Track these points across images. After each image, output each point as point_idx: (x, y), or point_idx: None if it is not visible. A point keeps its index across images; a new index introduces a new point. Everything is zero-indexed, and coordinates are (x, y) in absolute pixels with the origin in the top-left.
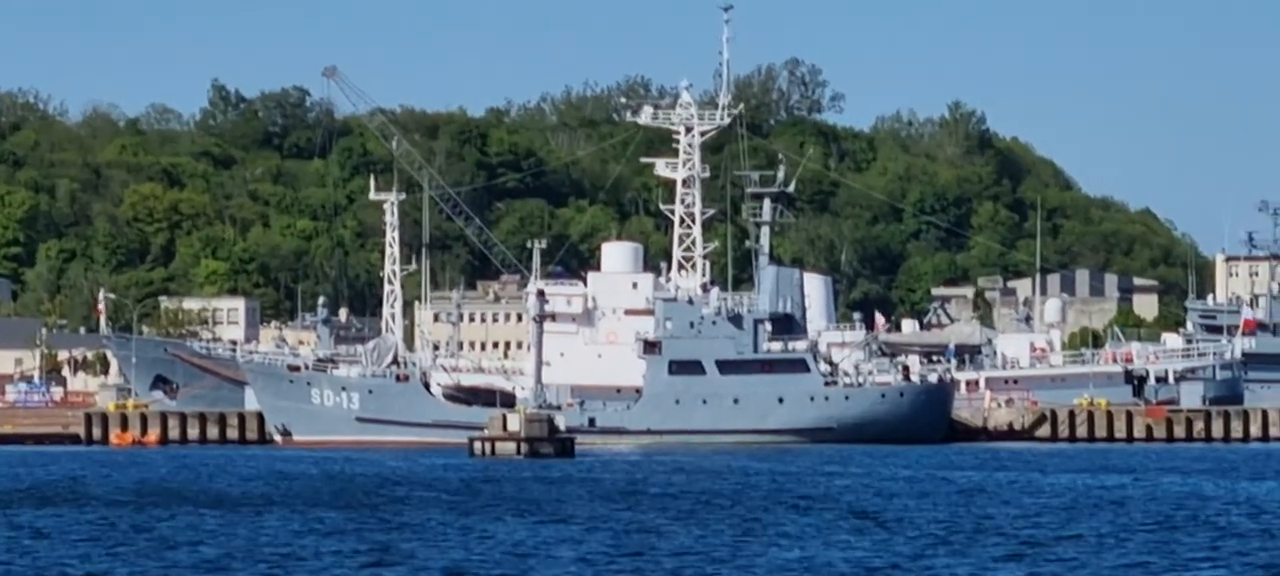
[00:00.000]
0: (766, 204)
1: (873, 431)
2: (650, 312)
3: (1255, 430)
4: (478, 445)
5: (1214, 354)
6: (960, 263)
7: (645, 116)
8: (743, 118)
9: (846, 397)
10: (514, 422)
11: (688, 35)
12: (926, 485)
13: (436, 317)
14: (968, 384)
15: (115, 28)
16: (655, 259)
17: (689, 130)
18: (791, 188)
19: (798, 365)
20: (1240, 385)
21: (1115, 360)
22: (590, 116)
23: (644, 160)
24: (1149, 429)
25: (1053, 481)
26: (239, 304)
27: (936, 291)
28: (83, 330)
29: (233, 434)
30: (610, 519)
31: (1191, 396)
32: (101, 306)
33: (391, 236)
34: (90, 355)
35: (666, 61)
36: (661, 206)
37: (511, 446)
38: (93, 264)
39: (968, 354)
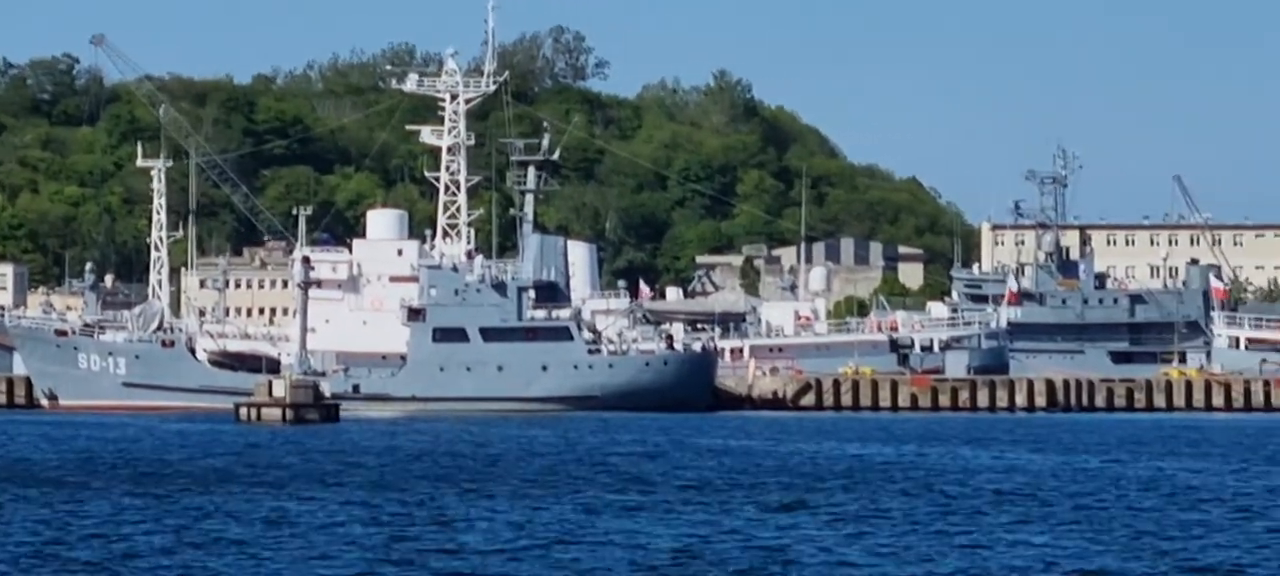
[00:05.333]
0: (531, 171)
1: (637, 399)
2: (415, 280)
3: (1021, 399)
4: (243, 411)
5: (979, 323)
6: (725, 231)
7: (411, 84)
8: (508, 85)
9: (610, 365)
10: (279, 388)
11: (453, 3)
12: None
13: (203, 284)
14: (732, 352)
15: None
16: (420, 226)
17: (454, 98)
18: (556, 155)
19: (561, 333)
20: (1005, 354)
21: (880, 329)
22: (356, 84)
23: (409, 128)
24: (914, 398)
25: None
26: (7, 270)
27: (701, 259)
28: None
29: (1, 398)
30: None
31: (956, 366)
32: None
33: (158, 203)
34: None
35: (432, 29)
36: (427, 174)
37: (277, 412)
38: None
39: (732, 322)
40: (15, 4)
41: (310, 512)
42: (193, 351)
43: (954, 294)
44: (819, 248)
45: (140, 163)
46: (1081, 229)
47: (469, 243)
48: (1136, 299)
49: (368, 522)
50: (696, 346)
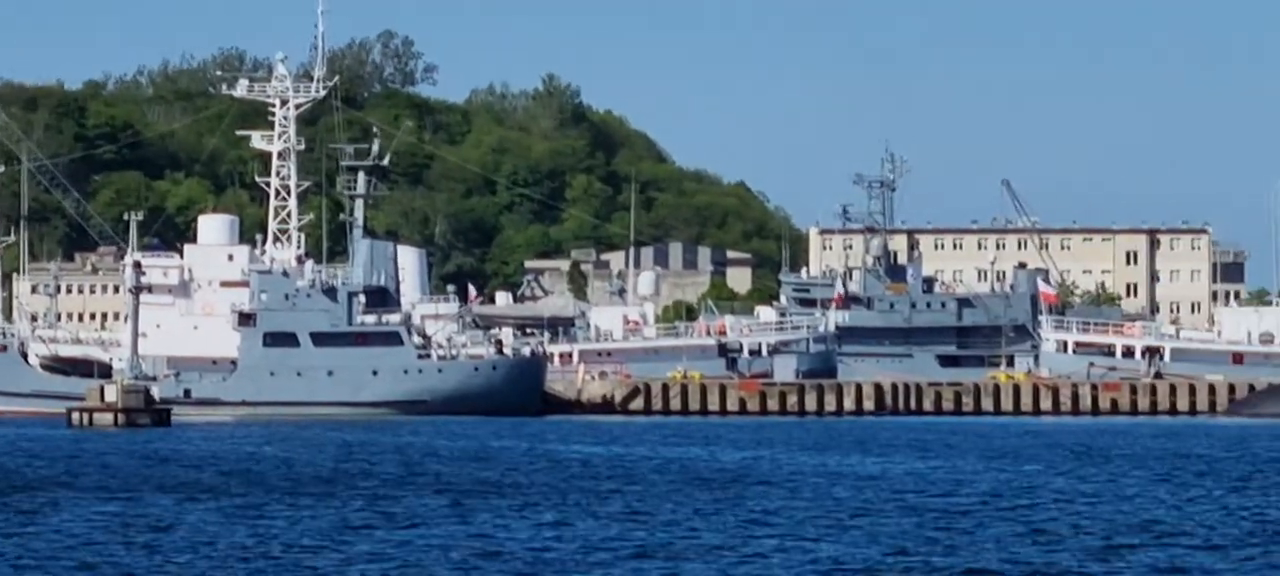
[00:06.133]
0: (361, 177)
1: (466, 404)
2: (246, 285)
3: (849, 403)
4: (75, 415)
5: (807, 327)
6: (554, 235)
7: (241, 90)
8: (337, 90)
9: (440, 370)
10: (111, 393)
11: (283, 8)
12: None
13: (34, 289)
14: (561, 356)
15: None
16: (251, 231)
17: (284, 103)
18: (386, 160)
19: (391, 338)
20: (834, 358)
21: (709, 333)
22: (186, 89)
23: (239, 133)
24: (742, 402)
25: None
26: None
27: (530, 264)
28: None
29: None
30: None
31: (785, 370)
32: None
33: None
34: None
35: (262, 35)
36: (257, 179)
37: (109, 417)
38: None
39: (561, 326)
40: None
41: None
42: (25, 356)
43: (782, 298)
44: (647, 252)
45: None
46: (909, 233)
47: (299, 248)
48: (964, 303)
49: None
50: (526, 351)
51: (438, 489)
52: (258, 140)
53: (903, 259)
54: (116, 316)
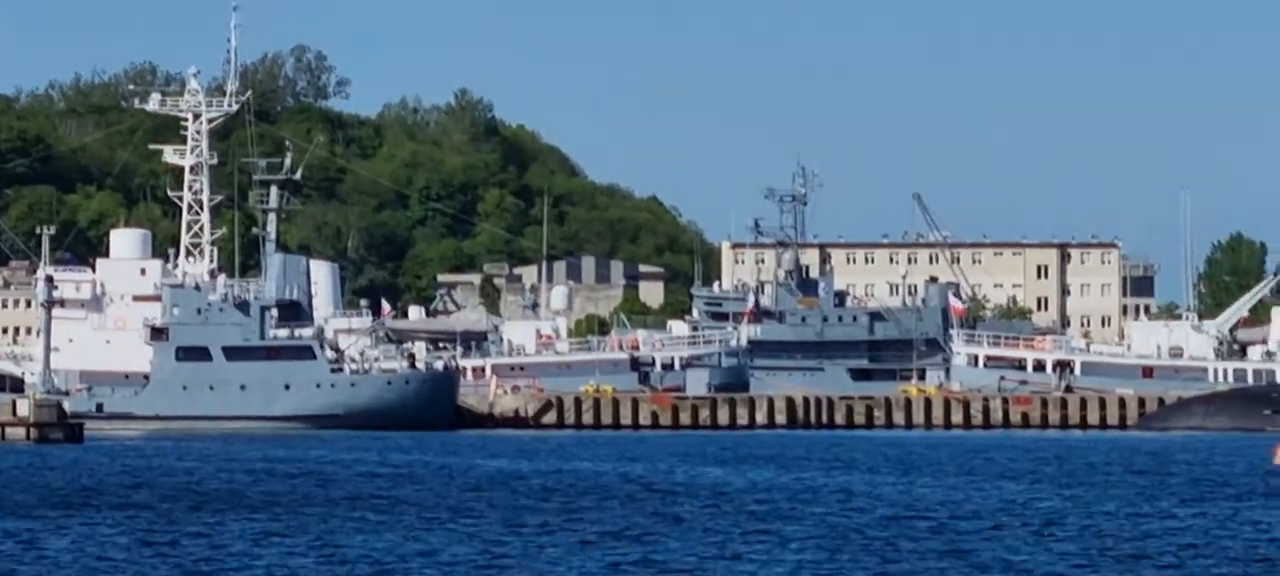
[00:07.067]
0: (273, 191)
1: (379, 418)
2: (158, 299)
3: (761, 417)
4: None
5: (720, 341)
6: (467, 249)
7: (153, 104)
8: (250, 105)
9: (353, 384)
10: (23, 408)
11: (195, 23)
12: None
13: None
14: (474, 371)
15: None
16: (164, 245)
17: (196, 117)
18: (298, 175)
19: (304, 352)
20: (746, 372)
21: (621, 347)
22: (99, 103)
23: (152, 147)
24: (655, 415)
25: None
26: None
27: (443, 278)
28: None
29: None
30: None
31: (697, 384)
32: None
33: None
34: None
35: (175, 49)
36: (170, 193)
37: (21, 431)
38: None
39: (474, 341)
40: None
41: None
42: None
43: (694, 312)
44: (560, 266)
45: None
46: (821, 247)
47: (212, 262)
48: (876, 316)
49: None
50: (438, 365)
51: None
52: (170, 154)
53: (814, 273)
54: (29, 331)
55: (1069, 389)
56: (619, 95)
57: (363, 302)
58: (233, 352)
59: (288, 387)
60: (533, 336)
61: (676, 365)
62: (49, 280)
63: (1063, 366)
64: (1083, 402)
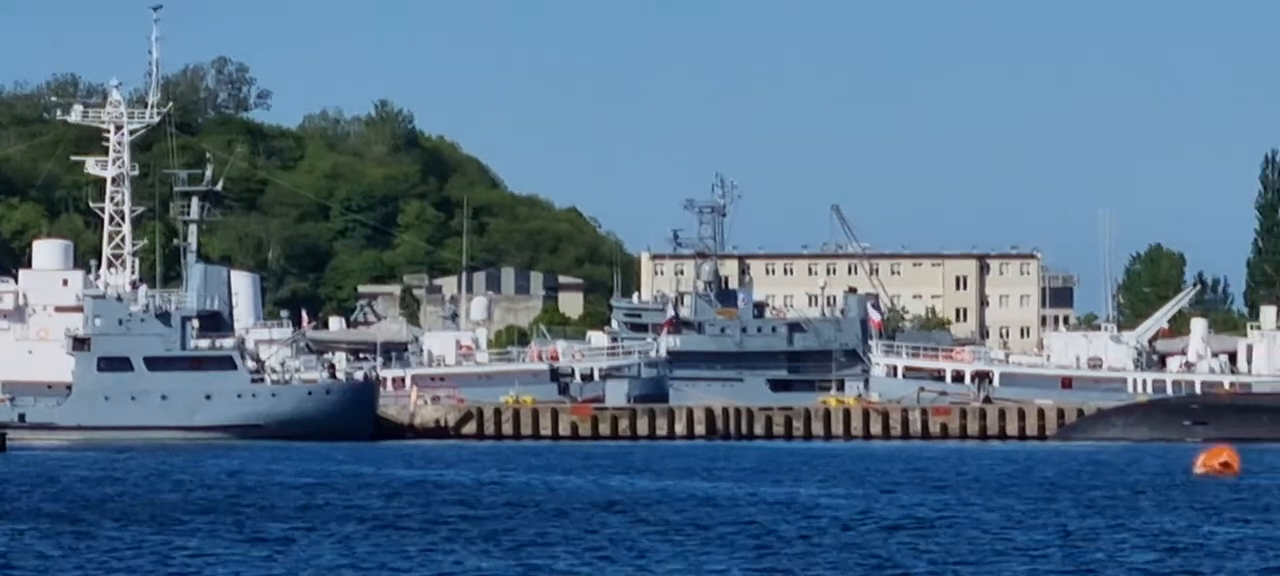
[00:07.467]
0: (195, 202)
1: (299, 428)
2: (80, 309)
3: (680, 428)
4: None
5: (639, 352)
6: (387, 260)
7: (75, 115)
8: (172, 116)
9: (273, 394)
10: None
11: (117, 35)
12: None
13: None
14: (394, 381)
15: None
16: (86, 256)
17: (119, 128)
18: (219, 186)
19: (225, 362)
20: (665, 383)
21: (541, 358)
22: (21, 115)
23: (74, 158)
24: (574, 426)
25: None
26: None
27: (363, 289)
28: None
29: None
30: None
31: (617, 394)
32: None
33: None
34: None
35: (96, 60)
36: (92, 204)
37: None
38: None
39: (394, 351)
40: None
41: None
42: None
43: (614, 323)
44: (480, 277)
45: None
46: (740, 258)
47: (133, 273)
48: (795, 327)
49: None
50: (358, 376)
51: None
52: (92, 166)
53: (734, 284)
54: None
55: (988, 400)
56: (539, 106)
57: (283, 313)
58: (154, 363)
59: (209, 398)
60: (453, 347)
61: (596, 376)
62: None
63: (982, 377)
64: (1001, 413)
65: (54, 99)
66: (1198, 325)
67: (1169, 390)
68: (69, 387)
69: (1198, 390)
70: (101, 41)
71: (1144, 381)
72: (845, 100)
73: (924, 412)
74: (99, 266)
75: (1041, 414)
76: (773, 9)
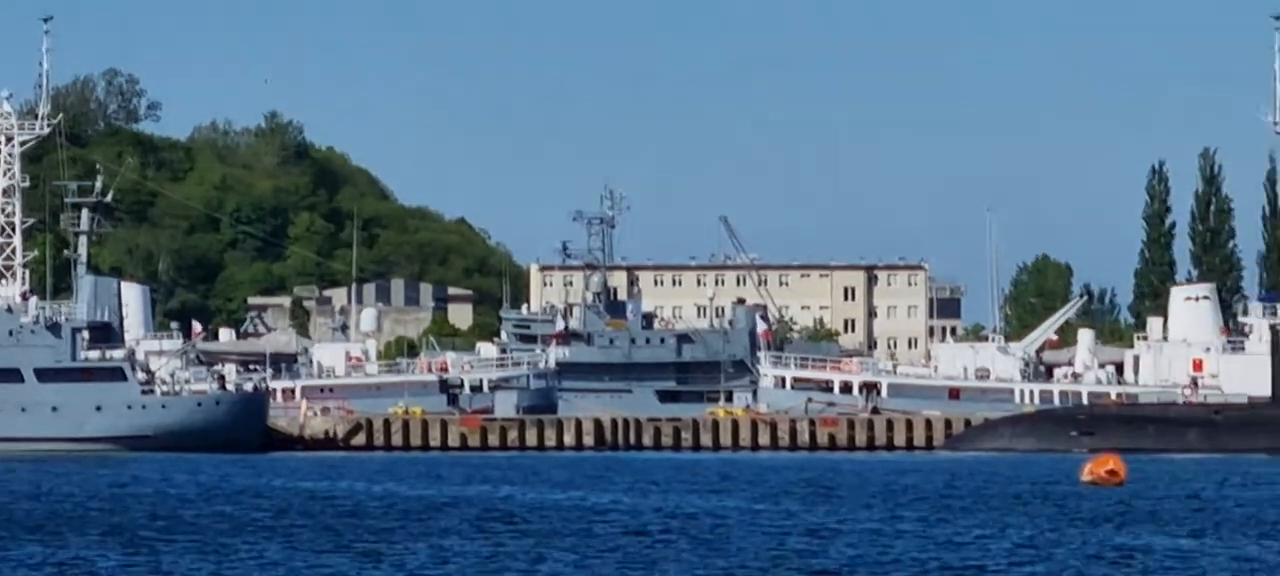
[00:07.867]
0: (85, 213)
1: (189, 440)
2: None
3: (569, 439)
4: None
5: (528, 363)
6: (277, 272)
7: None
8: (62, 128)
9: (163, 405)
10: None
11: (6, 45)
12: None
13: None
14: (284, 392)
15: None
16: None
17: (9, 140)
18: (110, 197)
19: (115, 373)
20: (554, 394)
21: (430, 369)
22: None
23: None
24: (463, 437)
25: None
26: None
27: (253, 300)
28: None
29: None
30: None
31: (506, 405)
32: None
33: None
34: None
35: None
36: None
37: None
38: None
39: (284, 362)
40: None
41: None
42: None
43: (503, 334)
44: (370, 288)
45: None
46: (629, 269)
47: (24, 284)
48: (684, 338)
49: None
50: (248, 387)
51: None
52: None
53: (622, 295)
54: None
55: (876, 410)
56: (428, 118)
57: (174, 325)
58: (44, 374)
59: (98, 409)
60: (342, 358)
61: (485, 387)
62: None
63: (870, 388)
64: (889, 424)
65: None
66: (1084, 336)
67: (1056, 401)
68: None
69: (1084, 400)
70: None
71: (1031, 392)
72: (733, 111)
73: (812, 423)
74: None
75: (929, 424)
76: (661, 19)
